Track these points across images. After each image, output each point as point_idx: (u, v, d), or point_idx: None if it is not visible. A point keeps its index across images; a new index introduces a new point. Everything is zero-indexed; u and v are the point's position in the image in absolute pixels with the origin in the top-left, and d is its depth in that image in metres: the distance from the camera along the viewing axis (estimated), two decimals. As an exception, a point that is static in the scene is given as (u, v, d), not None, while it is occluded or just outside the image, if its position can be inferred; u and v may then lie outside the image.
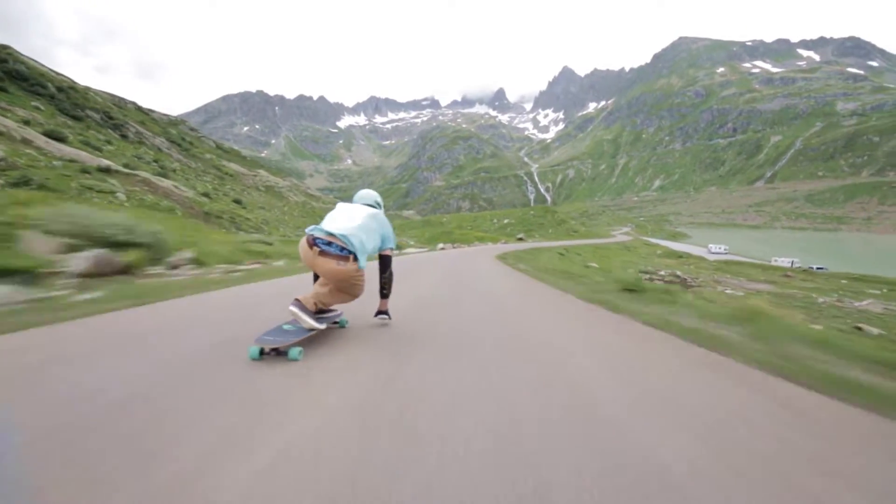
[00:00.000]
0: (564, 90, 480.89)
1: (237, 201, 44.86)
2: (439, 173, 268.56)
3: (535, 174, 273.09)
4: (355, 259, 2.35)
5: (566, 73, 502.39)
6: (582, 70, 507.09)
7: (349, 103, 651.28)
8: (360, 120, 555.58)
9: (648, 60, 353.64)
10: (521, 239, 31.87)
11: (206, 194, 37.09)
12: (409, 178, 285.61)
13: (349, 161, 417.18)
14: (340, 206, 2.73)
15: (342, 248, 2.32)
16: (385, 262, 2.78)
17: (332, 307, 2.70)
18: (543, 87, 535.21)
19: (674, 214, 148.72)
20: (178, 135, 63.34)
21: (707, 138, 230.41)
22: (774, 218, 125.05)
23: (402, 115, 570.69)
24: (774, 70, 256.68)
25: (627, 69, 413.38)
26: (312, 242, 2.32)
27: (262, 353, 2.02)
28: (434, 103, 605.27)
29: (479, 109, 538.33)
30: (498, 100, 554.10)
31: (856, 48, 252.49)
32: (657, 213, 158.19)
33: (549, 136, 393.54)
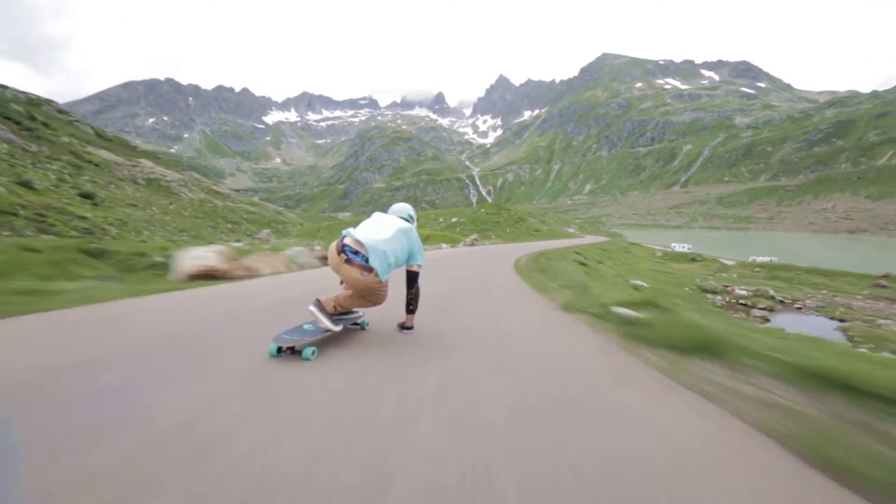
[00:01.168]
0: (501, 97, 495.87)
1: (86, 195, 32.36)
2: (379, 174, 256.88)
3: (476, 177, 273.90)
4: (377, 273, 2.41)
5: (502, 82, 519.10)
6: (517, 79, 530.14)
7: (278, 98, 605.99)
8: (291, 116, 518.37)
9: (576, 73, 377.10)
10: (476, 241, 24.56)
11: (26, 184, 25.24)
12: (346, 179, 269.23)
13: (278, 160, 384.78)
14: (376, 216, 2.80)
15: (367, 259, 2.38)
16: (412, 279, 2.78)
17: (359, 313, 2.86)
18: (481, 93, 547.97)
19: (605, 216, 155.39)
20: (23, 112, 46.88)
21: (630, 146, 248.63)
22: (692, 219, 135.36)
23: (338, 113, 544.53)
24: (683, 87, 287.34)
25: (558, 81, 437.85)
26: (341, 249, 2.40)
27: (279, 350, 2.18)
28: (373, 103, 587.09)
29: (420, 112, 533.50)
30: (438, 103, 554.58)
31: (747, 71, 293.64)
32: (590, 215, 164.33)
33: (489, 141, 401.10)
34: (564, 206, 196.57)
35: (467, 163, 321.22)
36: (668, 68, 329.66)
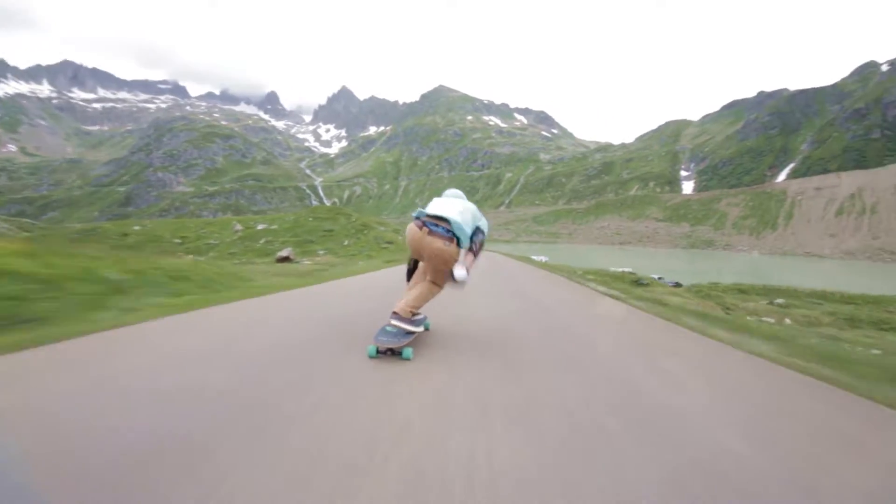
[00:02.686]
0: (345, 109, 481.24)
1: None
2: (185, 176, 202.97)
3: (319, 188, 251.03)
4: (459, 244, 2.60)
5: (345, 93, 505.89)
6: (361, 94, 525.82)
7: (20, 63, 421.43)
8: (42, 90, 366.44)
9: (417, 98, 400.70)
10: (286, 259, 13.85)
11: None
12: (130, 179, 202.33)
13: (12, 147, 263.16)
14: (437, 199, 2.91)
15: (448, 231, 2.55)
16: (480, 246, 2.89)
17: (419, 311, 2.92)
18: (323, 101, 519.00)
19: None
20: None
21: (465, 170, 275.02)
22: (518, 234, 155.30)
23: (123, 94, 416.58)
24: (503, 125, 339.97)
25: (401, 102, 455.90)
26: (422, 224, 2.57)
27: (378, 351, 2.37)
28: (179, 90, 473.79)
29: (246, 109, 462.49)
30: (270, 103, 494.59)
31: (546, 118, 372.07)
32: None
33: (333, 150, 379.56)
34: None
35: (308, 171, 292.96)
36: (491, 108, 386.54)
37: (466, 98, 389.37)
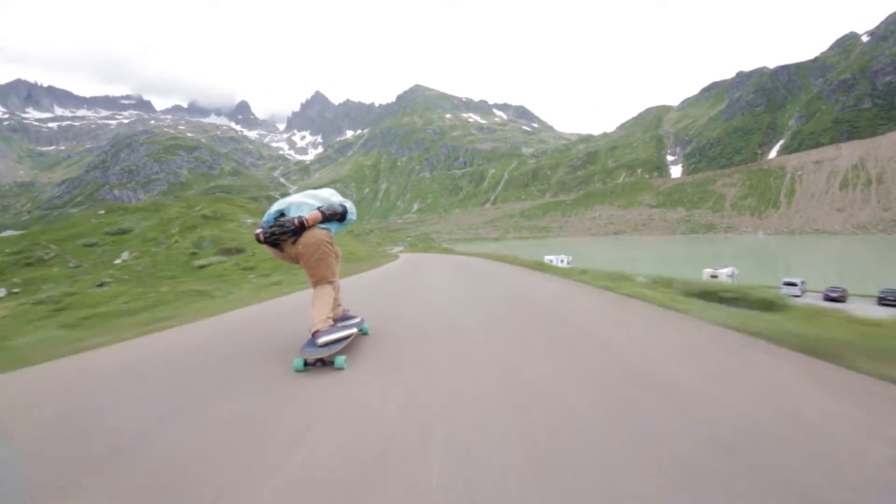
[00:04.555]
0: (320, 114, 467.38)
1: None
2: (144, 191, 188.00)
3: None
4: (322, 228, 2.40)
5: (319, 99, 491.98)
6: (335, 98, 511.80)
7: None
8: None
9: (394, 100, 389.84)
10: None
11: None
12: (84, 200, 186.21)
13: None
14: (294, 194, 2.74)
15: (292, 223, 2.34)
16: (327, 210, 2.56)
17: (350, 314, 2.83)
18: (296, 108, 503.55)
19: (435, 233, 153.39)
20: None
21: (447, 168, 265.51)
22: (506, 231, 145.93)
23: (83, 112, 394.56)
24: (482, 121, 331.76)
25: (377, 104, 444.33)
26: (266, 233, 2.36)
27: (305, 364, 2.11)
28: (143, 104, 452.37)
29: (216, 120, 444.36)
30: (241, 113, 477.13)
31: (525, 113, 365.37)
32: (420, 232, 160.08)
33: (309, 157, 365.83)
34: (395, 224, 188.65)
35: (282, 180, 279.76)
36: (469, 105, 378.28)
37: (444, 96, 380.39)
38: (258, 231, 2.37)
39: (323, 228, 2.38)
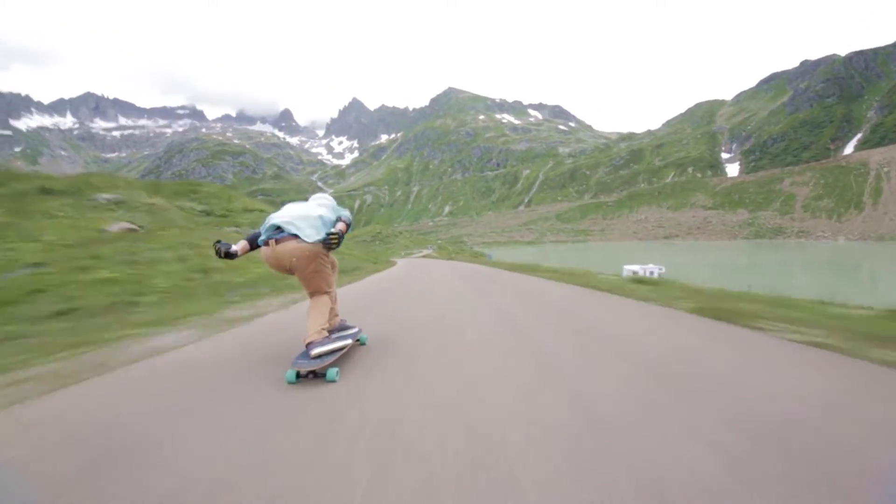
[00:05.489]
0: (356, 120, 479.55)
1: None
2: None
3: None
4: (315, 243, 2.36)
5: (356, 105, 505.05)
6: (371, 104, 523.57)
7: (43, 98, 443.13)
8: (65, 122, 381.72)
9: (427, 103, 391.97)
10: None
11: None
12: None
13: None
14: (274, 214, 2.60)
15: (294, 234, 2.34)
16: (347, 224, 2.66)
17: (347, 324, 2.82)
18: (335, 114, 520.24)
19: (466, 236, 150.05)
20: None
21: (480, 170, 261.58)
22: (542, 234, 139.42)
23: (143, 122, 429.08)
24: (516, 122, 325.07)
25: (411, 108, 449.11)
26: (266, 241, 2.36)
27: (298, 376, 2.08)
28: (197, 114, 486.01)
29: (262, 128, 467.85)
30: (285, 120, 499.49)
31: (561, 113, 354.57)
32: (451, 235, 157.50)
33: (345, 162, 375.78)
34: (426, 227, 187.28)
35: (319, 184, 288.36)
36: (503, 106, 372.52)
37: (477, 98, 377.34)
38: (268, 242, 2.35)
39: (316, 242, 2.34)
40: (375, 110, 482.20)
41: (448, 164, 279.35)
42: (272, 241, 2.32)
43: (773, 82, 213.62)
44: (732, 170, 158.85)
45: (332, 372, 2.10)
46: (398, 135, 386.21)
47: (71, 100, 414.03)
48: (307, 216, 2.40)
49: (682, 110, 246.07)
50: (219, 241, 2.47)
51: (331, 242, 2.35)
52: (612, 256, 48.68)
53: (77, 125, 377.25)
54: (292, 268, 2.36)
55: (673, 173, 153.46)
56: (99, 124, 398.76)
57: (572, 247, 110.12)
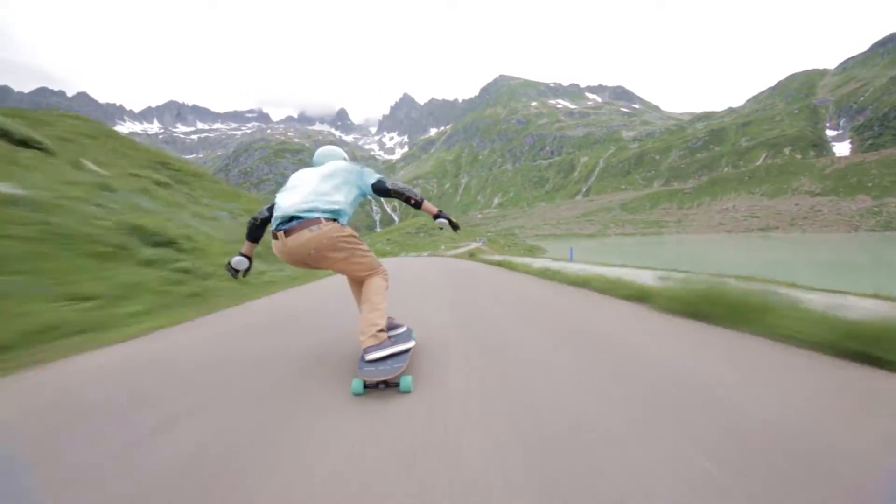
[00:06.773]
0: (406, 115, 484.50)
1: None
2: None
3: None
4: (328, 220, 1.85)
5: (407, 100, 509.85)
6: (421, 98, 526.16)
7: (135, 106, 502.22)
8: (152, 127, 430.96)
9: (477, 93, 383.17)
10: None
11: None
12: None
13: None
14: (280, 195, 2.04)
15: (308, 215, 1.85)
16: (385, 191, 2.08)
17: (396, 322, 2.32)
18: (386, 111, 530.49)
19: (518, 228, 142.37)
20: None
21: (532, 160, 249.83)
22: (605, 226, 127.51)
23: (217, 125, 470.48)
24: (572, 107, 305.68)
25: (460, 100, 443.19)
26: (275, 234, 1.90)
27: (366, 386, 1.68)
28: (263, 117, 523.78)
29: (320, 128, 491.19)
30: (341, 120, 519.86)
31: (623, 94, 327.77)
32: (501, 227, 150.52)
33: (396, 156, 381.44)
34: (475, 219, 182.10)
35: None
36: (558, 90, 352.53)
37: (529, 84, 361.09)
38: (277, 234, 1.88)
39: (329, 220, 1.82)
40: (425, 104, 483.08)
41: (498, 154, 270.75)
42: (281, 233, 1.84)
43: (892, 44, 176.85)
44: (842, 149, 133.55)
45: (406, 381, 1.68)
46: (447, 127, 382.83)
47: (157, 108, 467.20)
48: (314, 191, 1.89)
49: (772, 84, 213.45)
50: (228, 263, 2.15)
51: (455, 226, 2.18)
52: (690, 250, 40.16)
53: (162, 130, 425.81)
54: (311, 259, 1.88)
55: (765, 154, 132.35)
56: (180, 129, 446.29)
57: (642, 240, 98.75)
